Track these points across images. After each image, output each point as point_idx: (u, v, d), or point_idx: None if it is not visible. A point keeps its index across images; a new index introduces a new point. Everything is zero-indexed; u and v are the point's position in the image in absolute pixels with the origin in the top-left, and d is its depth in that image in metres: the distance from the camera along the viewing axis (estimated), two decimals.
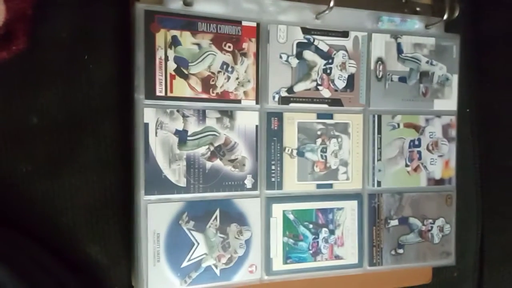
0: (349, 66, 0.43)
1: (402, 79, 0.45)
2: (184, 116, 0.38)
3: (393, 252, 0.45)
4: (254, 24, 0.39)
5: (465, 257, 0.51)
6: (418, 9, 0.45)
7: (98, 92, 0.37)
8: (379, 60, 0.44)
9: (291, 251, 0.41)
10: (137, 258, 0.36)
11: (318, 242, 0.42)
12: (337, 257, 0.43)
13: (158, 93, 0.37)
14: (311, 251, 0.42)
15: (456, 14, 0.44)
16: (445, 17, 0.44)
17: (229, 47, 0.39)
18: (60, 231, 0.36)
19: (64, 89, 0.36)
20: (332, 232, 0.43)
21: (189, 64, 0.37)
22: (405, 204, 0.45)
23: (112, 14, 0.37)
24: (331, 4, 0.40)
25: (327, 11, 0.40)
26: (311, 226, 0.42)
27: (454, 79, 0.46)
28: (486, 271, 0.52)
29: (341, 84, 0.43)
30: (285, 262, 0.41)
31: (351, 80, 0.43)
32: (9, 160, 0.35)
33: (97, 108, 0.37)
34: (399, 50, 0.44)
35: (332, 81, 0.42)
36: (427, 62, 0.45)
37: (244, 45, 0.39)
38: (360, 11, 0.43)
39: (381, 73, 0.44)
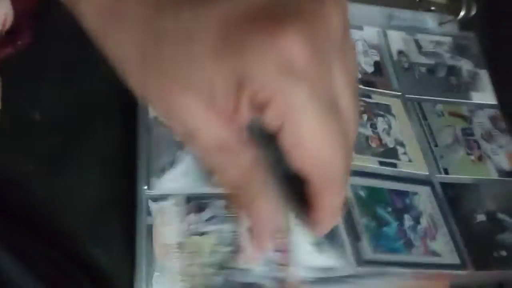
0: (372, 54, 0.40)
1: (431, 71, 0.42)
2: None
3: (495, 254, 0.34)
4: None
5: None
6: (432, 8, 0.44)
7: (103, 88, 0.33)
8: (401, 52, 0.42)
9: (377, 236, 0.30)
10: (139, 260, 0.29)
11: (405, 230, 0.31)
12: (434, 254, 0.31)
13: None
14: (402, 241, 0.30)
15: (473, 12, 0.43)
16: (461, 14, 0.43)
17: None
18: (62, 231, 0.31)
19: (67, 84, 0.33)
20: (416, 220, 0.32)
21: None
22: (486, 197, 0.37)
23: None
24: None
25: None
26: (389, 209, 0.32)
27: (484, 74, 0.44)
28: None
29: (369, 68, 0.39)
30: (374, 251, 0.29)
31: (378, 66, 0.40)
32: (11, 158, 0.31)
33: (102, 104, 0.34)
34: (418, 46, 0.43)
35: (359, 65, 0.39)
36: (451, 57, 0.44)
37: None
38: (372, 6, 0.42)
39: (406, 64, 0.41)
